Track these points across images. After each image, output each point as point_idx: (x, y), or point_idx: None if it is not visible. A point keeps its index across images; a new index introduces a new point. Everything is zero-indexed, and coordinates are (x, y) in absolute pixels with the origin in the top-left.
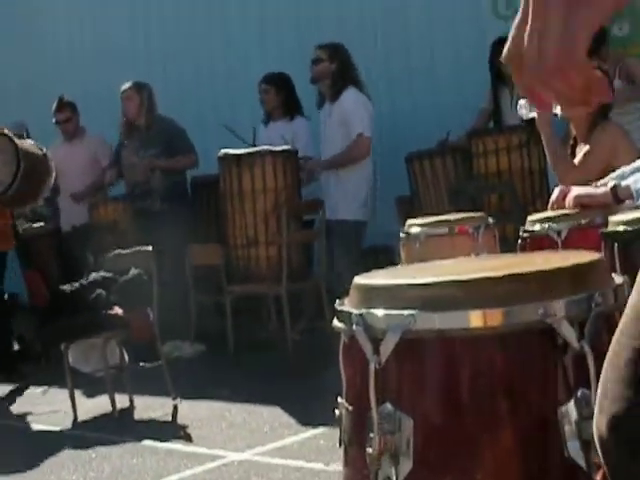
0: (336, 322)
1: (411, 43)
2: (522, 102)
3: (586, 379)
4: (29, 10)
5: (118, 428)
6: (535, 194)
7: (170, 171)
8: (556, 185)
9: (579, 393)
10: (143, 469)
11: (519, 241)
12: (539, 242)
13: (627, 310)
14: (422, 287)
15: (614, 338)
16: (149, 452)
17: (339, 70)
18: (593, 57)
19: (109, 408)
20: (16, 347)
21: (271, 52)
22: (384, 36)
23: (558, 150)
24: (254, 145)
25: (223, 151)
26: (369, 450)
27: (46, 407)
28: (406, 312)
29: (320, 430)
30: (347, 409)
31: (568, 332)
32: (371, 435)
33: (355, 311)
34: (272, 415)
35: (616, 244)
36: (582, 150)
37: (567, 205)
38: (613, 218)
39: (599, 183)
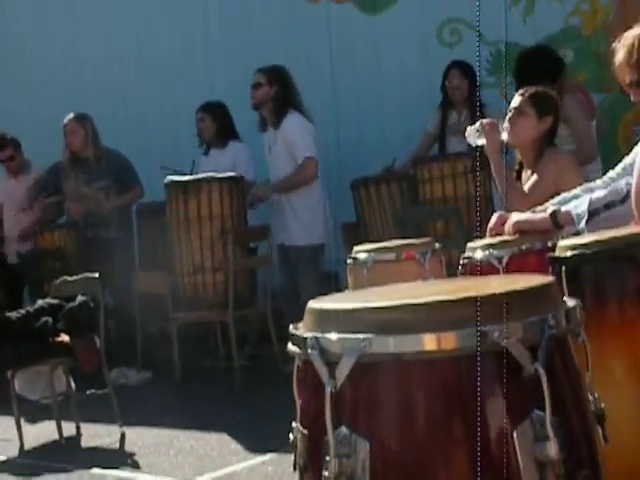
0: (290, 346)
1: (358, 70)
2: (470, 129)
3: (540, 401)
4: None
5: (65, 456)
6: (480, 219)
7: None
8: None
9: (534, 414)
10: None
11: (459, 267)
12: (480, 268)
13: None
14: (377, 311)
15: None
16: None
17: (279, 94)
18: (552, 86)
19: (56, 436)
20: None
21: (218, 78)
22: (331, 62)
23: (508, 177)
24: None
25: (169, 178)
26: (325, 474)
27: None
28: (361, 336)
29: (268, 457)
30: (302, 433)
31: (522, 355)
32: (327, 459)
33: (310, 335)
34: (220, 442)
35: (564, 268)
36: (528, 176)
37: (506, 231)
38: (560, 243)
39: (538, 209)
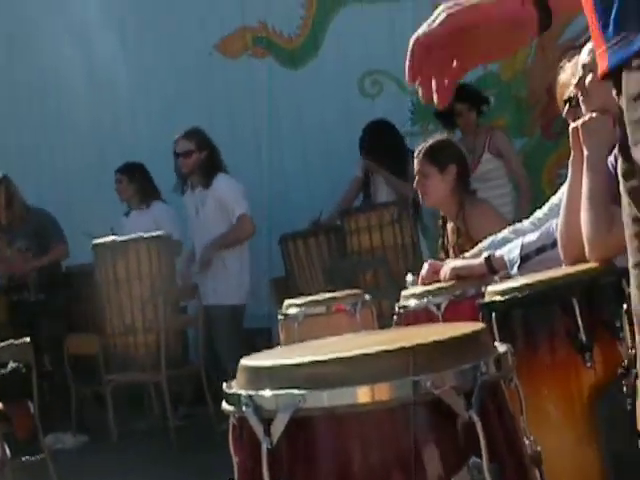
0: (225, 405)
1: (282, 125)
2: (408, 281)
3: (476, 447)
4: None
5: None
6: (409, 268)
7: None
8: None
9: (471, 462)
10: None
11: (394, 317)
12: (417, 316)
13: None
14: (309, 366)
15: None
16: None
17: (209, 157)
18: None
19: None
20: None
21: (142, 139)
22: (254, 117)
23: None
24: None
25: (96, 239)
26: None
27: None
28: (295, 391)
29: None
30: None
31: (456, 402)
32: None
33: (244, 393)
34: None
35: (494, 314)
36: (453, 228)
37: (443, 278)
38: (489, 288)
39: (468, 255)
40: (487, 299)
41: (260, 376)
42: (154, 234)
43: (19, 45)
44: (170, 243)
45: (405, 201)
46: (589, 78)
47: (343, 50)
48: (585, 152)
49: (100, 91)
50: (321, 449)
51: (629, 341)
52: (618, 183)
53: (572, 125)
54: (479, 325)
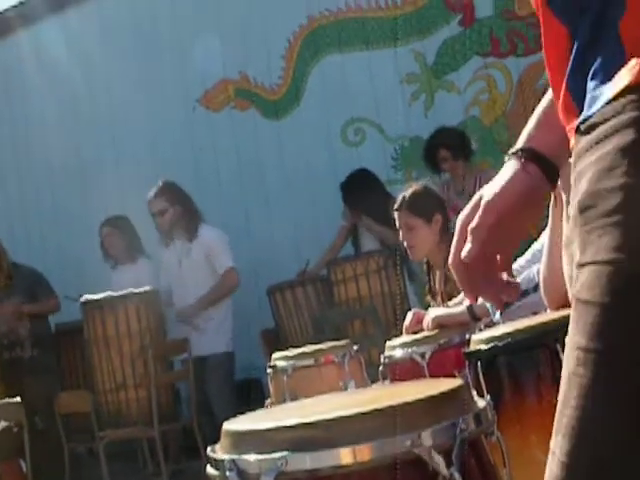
0: (209, 469)
1: (266, 175)
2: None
3: None
4: None
5: None
6: (397, 317)
7: (35, 317)
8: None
9: None
10: None
11: (380, 367)
12: (402, 366)
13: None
14: (291, 429)
15: None
16: None
17: (185, 210)
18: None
19: None
20: None
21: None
22: (239, 169)
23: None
24: None
25: (85, 297)
26: None
27: None
28: (278, 455)
29: None
30: None
31: (436, 461)
32: None
33: (227, 457)
34: None
35: (479, 362)
36: (440, 277)
37: (426, 327)
38: (474, 337)
39: (452, 302)
40: (472, 348)
41: (243, 440)
42: (142, 289)
43: None
44: (158, 297)
45: (390, 248)
46: None
47: (325, 99)
48: (564, 197)
49: (86, 148)
50: None
51: None
52: None
53: None
54: (457, 381)
